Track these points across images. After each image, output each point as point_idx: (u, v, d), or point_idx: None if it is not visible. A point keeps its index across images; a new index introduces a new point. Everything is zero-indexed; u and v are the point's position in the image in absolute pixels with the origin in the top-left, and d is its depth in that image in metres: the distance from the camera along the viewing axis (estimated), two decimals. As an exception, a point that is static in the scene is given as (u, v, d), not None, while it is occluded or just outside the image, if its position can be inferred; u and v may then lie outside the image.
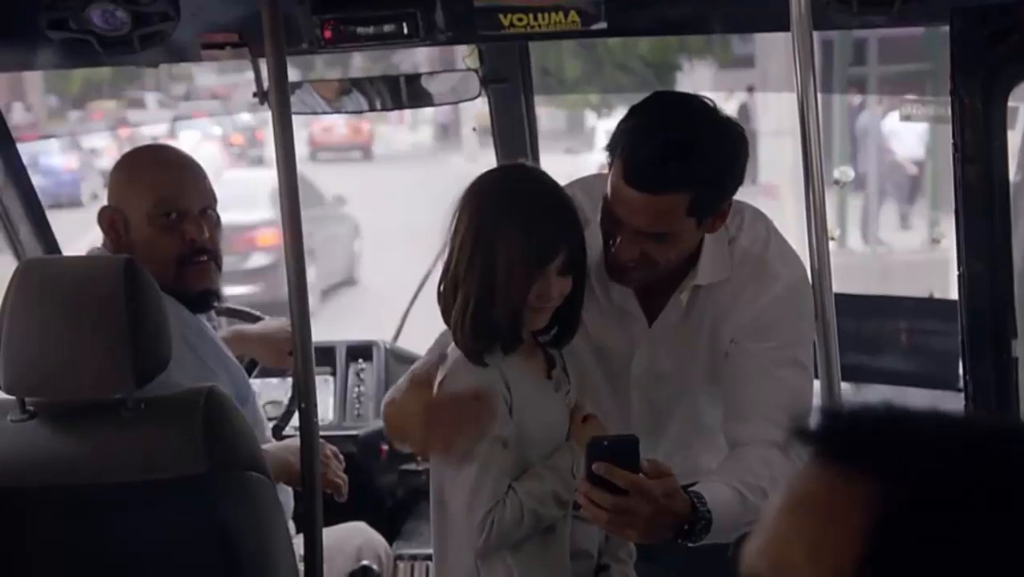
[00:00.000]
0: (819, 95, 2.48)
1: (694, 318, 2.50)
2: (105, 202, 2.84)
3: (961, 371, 2.71)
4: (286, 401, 3.49)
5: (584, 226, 2.39)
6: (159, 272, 2.72)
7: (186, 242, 2.77)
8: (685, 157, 2.29)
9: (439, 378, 2.43)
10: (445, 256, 2.39)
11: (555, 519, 2.39)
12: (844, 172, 4.72)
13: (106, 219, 2.78)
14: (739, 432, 2.42)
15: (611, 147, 2.35)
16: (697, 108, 2.38)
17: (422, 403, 2.41)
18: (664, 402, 2.59)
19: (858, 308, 3.87)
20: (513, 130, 3.73)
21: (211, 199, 2.84)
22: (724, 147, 2.35)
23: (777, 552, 1.02)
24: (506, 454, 2.36)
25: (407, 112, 25.76)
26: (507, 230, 2.31)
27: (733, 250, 2.47)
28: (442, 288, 2.39)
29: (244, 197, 12.63)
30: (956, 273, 2.56)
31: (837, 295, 2.49)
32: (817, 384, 2.51)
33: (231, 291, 14.92)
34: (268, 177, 12.54)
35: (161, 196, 2.75)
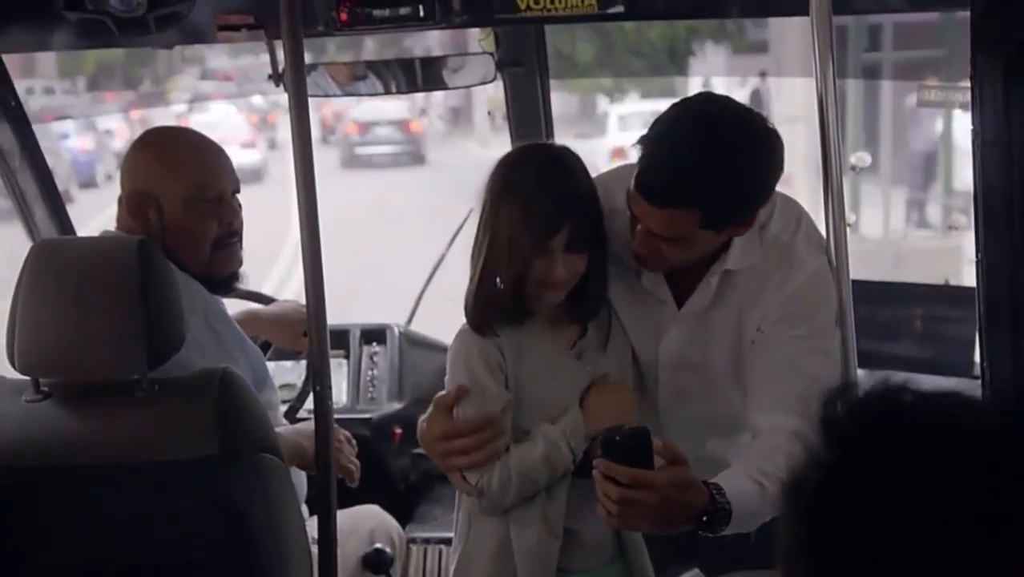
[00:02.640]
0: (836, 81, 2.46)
1: (723, 303, 2.48)
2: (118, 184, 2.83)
3: (978, 358, 2.70)
4: (299, 384, 3.49)
5: (617, 215, 2.43)
6: (194, 256, 2.73)
7: (222, 225, 2.77)
8: (691, 178, 2.26)
9: (450, 354, 2.48)
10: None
11: (549, 482, 2.41)
12: (861, 158, 4.69)
13: (134, 204, 2.74)
14: (761, 421, 2.39)
15: (640, 144, 2.34)
16: (721, 123, 2.30)
17: (441, 430, 2.44)
18: (690, 388, 2.58)
19: (873, 294, 3.86)
20: (528, 114, 3.72)
21: (238, 182, 2.85)
22: (742, 168, 2.29)
23: None
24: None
25: (419, 96, 26.20)
26: (510, 203, 2.35)
27: (763, 236, 2.45)
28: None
29: (397, 110, 23.36)
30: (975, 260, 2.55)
31: (852, 281, 2.48)
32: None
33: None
34: (393, 104, 22.86)
35: (201, 181, 2.74)
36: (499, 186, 2.38)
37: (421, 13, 2.86)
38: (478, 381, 2.41)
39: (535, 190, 2.34)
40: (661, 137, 2.32)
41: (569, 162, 2.40)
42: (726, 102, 2.37)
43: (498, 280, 2.36)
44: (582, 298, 2.43)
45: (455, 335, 2.49)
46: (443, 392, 2.48)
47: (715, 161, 2.26)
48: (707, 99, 2.41)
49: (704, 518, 2.21)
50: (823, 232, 2.47)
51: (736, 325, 2.49)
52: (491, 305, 2.39)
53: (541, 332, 2.44)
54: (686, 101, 2.39)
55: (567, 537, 2.45)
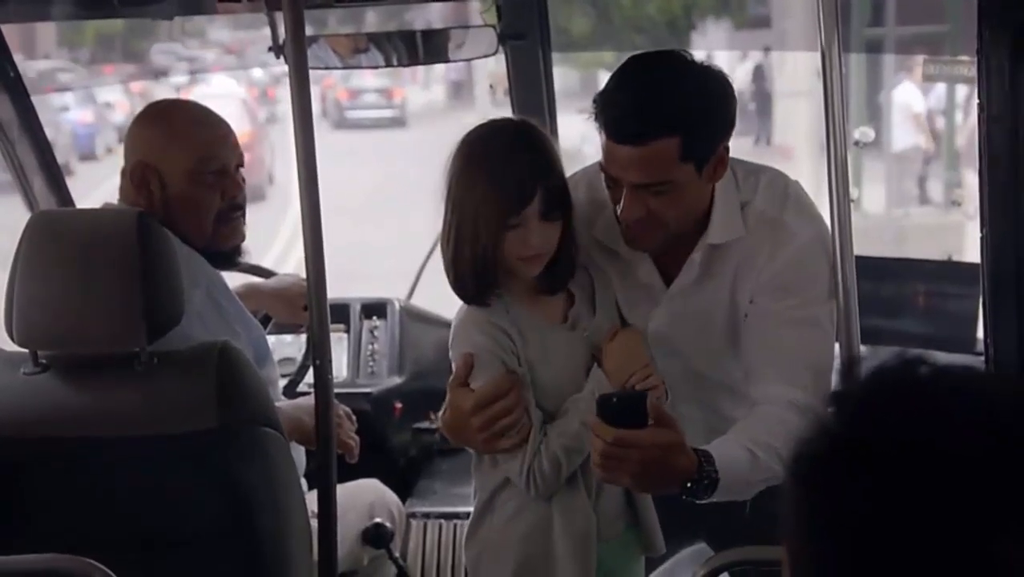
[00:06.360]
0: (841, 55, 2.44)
1: (711, 279, 2.49)
2: (119, 157, 2.81)
3: (982, 334, 2.69)
4: (299, 358, 3.48)
5: (602, 206, 2.46)
6: (196, 229, 2.71)
7: (225, 199, 2.76)
8: (660, 100, 2.31)
9: (451, 335, 2.45)
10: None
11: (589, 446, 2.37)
12: (864, 133, 4.68)
13: (137, 175, 2.73)
14: (757, 391, 2.41)
15: (595, 114, 2.36)
16: (668, 57, 2.41)
17: (462, 409, 2.40)
18: (684, 365, 2.59)
19: (876, 271, 3.85)
20: (530, 88, 3.70)
21: (242, 156, 2.83)
22: (703, 87, 2.35)
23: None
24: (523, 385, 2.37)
25: (420, 70, 26.20)
26: (476, 178, 2.32)
27: (748, 213, 2.46)
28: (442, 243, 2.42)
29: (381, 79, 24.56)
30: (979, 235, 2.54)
31: (855, 257, 2.47)
32: (836, 346, 2.49)
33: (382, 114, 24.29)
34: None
35: (204, 153, 2.73)
36: (463, 163, 2.34)
37: (422, -16, 2.84)
38: (486, 352, 2.38)
39: (502, 161, 2.31)
40: (614, 85, 2.37)
41: (532, 131, 2.38)
42: (657, 51, 2.48)
43: (471, 257, 2.33)
44: (554, 268, 2.40)
45: (455, 317, 2.46)
46: (452, 377, 2.44)
47: (674, 81, 2.34)
48: (639, 53, 2.48)
49: (689, 484, 2.22)
50: (827, 208, 2.46)
51: (729, 299, 2.49)
52: (472, 282, 2.36)
53: (532, 312, 2.42)
54: (621, 65, 2.45)
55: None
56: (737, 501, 2.36)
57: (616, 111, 2.33)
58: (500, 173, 2.30)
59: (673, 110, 2.30)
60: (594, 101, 2.36)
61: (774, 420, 2.31)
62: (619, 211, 2.39)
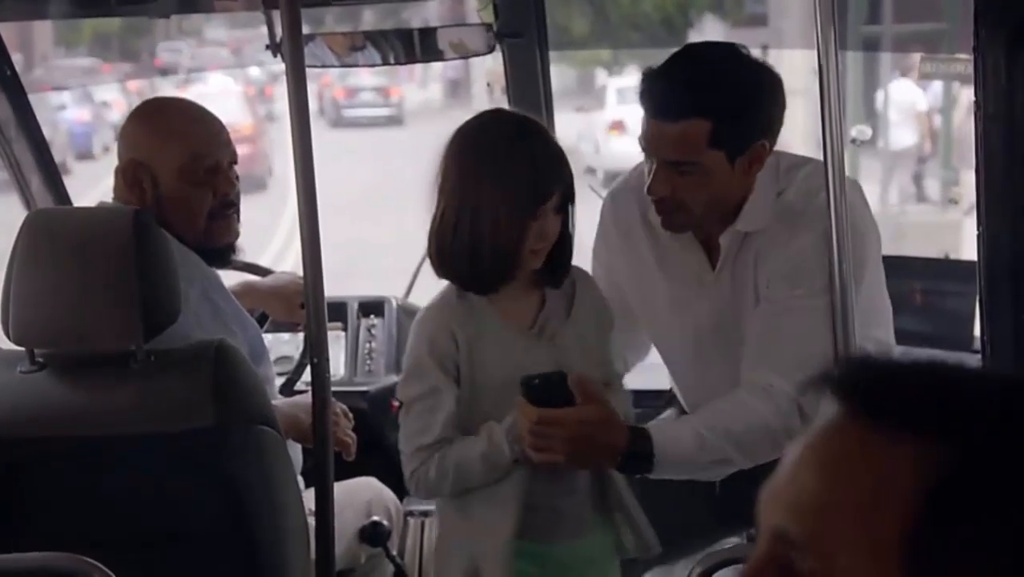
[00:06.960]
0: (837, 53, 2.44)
1: (739, 266, 2.54)
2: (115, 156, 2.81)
3: (978, 332, 2.70)
4: (297, 356, 3.48)
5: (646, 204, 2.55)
6: (189, 227, 2.71)
7: (218, 196, 2.75)
8: (698, 83, 2.39)
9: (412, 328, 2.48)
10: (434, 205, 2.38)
11: (485, 479, 2.39)
12: (861, 131, 4.67)
13: (130, 173, 2.72)
14: (745, 375, 2.45)
15: (639, 88, 2.46)
16: (721, 48, 2.51)
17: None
18: (723, 352, 2.61)
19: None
20: (527, 86, 3.69)
21: (235, 153, 2.83)
22: (746, 81, 2.42)
23: (814, 513, 0.96)
24: (440, 400, 2.38)
25: (417, 69, 26.14)
26: (492, 175, 2.31)
27: (779, 202, 2.51)
28: (433, 234, 2.38)
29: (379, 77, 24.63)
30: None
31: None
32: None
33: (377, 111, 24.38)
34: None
35: (195, 150, 2.72)
36: (471, 157, 2.33)
37: (419, -18, 2.84)
38: (422, 362, 2.40)
39: (519, 160, 2.30)
40: (664, 65, 2.45)
41: (537, 124, 2.40)
42: (720, 42, 2.60)
43: (485, 251, 2.32)
44: (558, 261, 2.41)
45: (420, 312, 2.47)
46: None
47: (717, 69, 2.42)
48: (697, 43, 2.65)
49: (619, 458, 2.30)
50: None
51: (753, 288, 2.53)
52: (478, 276, 2.36)
53: (500, 312, 2.41)
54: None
55: (549, 511, 2.43)
56: (705, 484, 2.48)
57: (654, 87, 2.41)
58: (518, 172, 2.30)
59: (707, 95, 2.37)
60: (642, 75, 2.46)
61: (739, 404, 2.38)
62: (648, 184, 2.46)
